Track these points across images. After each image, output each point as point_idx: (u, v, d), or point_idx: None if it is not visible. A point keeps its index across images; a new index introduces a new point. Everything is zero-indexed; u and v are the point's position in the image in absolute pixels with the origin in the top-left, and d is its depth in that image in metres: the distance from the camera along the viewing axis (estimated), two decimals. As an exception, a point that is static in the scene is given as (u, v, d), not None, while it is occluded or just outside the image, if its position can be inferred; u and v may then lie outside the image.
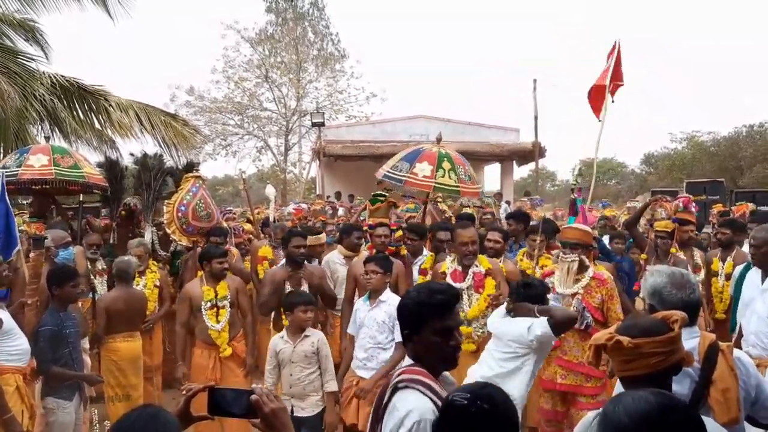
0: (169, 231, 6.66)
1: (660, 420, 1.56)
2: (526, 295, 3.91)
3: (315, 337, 4.61)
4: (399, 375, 2.21)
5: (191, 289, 5.44)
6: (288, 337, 4.58)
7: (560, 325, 3.69)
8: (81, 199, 7.20)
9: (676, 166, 32.35)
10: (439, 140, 6.80)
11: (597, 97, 5.60)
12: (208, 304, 5.31)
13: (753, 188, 17.16)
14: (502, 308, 4.08)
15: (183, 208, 6.51)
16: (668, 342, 2.18)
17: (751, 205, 11.22)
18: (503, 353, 3.80)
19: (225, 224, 7.84)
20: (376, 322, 4.67)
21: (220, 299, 5.35)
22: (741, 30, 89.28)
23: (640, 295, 3.01)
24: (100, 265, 6.48)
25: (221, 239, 6.58)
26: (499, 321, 3.99)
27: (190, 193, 6.62)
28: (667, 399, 1.64)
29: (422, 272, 5.76)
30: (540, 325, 3.64)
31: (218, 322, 5.30)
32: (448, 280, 4.96)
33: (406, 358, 2.35)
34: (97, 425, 4.91)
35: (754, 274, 4.63)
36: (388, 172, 6.63)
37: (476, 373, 3.86)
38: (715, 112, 71.67)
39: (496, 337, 3.94)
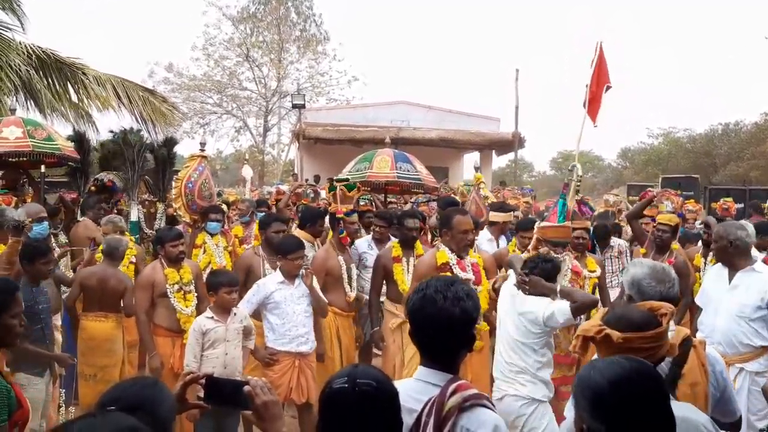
0: (175, 206, 6.69)
1: (633, 382, 1.69)
2: (543, 269, 3.74)
3: (241, 312, 4.68)
4: (453, 395, 2.00)
5: (152, 274, 5.17)
6: (218, 317, 4.53)
7: (581, 310, 3.58)
8: (43, 170, 6.98)
9: (652, 161, 32.82)
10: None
11: (592, 104, 5.66)
12: (175, 287, 5.11)
13: (727, 185, 17.43)
14: (508, 285, 3.91)
15: (190, 185, 6.48)
16: (657, 337, 2.19)
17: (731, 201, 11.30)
18: (518, 329, 3.73)
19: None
20: (304, 297, 4.88)
21: (186, 284, 5.18)
22: (722, 29, 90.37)
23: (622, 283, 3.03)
24: (63, 239, 6.40)
25: (219, 216, 6.58)
26: (510, 299, 3.83)
27: (197, 172, 6.59)
28: (640, 364, 1.77)
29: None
30: (561, 314, 3.53)
31: (187, 306, 5.12)
32: (456, 271, 4.68)
33: (431, 370, 2.13)
34: (63, 406, 4.81)
35: (719, 270, 4.57)
36: (398, 173, 7.47)
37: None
38: (693, 109, 72.58)
39: (507, 314, 3.81)
